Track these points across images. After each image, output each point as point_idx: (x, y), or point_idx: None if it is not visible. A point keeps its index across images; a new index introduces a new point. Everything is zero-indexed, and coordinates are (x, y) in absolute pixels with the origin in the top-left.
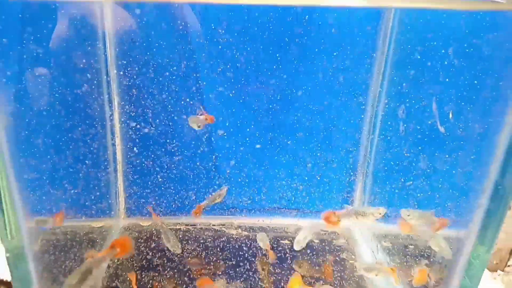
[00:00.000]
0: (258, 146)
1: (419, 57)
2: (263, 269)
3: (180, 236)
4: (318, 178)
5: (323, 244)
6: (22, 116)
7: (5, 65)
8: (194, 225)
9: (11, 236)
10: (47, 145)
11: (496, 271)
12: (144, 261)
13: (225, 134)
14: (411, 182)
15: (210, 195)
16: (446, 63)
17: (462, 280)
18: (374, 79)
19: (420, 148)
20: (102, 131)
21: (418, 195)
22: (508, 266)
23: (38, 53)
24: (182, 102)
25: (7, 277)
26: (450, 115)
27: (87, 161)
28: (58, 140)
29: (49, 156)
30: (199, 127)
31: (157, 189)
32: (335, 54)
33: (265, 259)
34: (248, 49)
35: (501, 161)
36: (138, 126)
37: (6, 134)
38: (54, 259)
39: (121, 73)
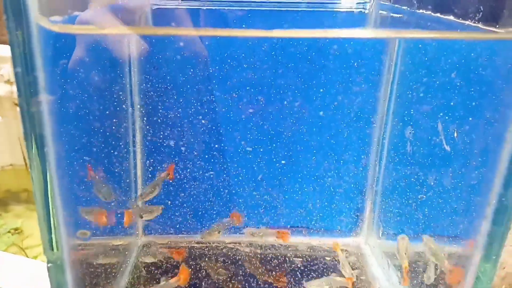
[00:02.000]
0: (283, 162)
1: (424, 80)
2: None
3: (195, 254)
4: (328, 198)
5: (334, 262)
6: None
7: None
8: (208, 243)
9: (55, 248)
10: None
11: None
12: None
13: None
14: (423, 196)
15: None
16: (448, 86)
17: None
18: (381, 102)
19: (426, 167)
20: (124, 154)
21: (426, 211)
22: None
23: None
24: (202, 129)
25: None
26: (455, 134)
27: (110, 183)
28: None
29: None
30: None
31: (173, 209)
32: (342, 79)
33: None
34: (259, 75)
35: (504, 177)
36: (158, 146)
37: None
38: (86, 271)
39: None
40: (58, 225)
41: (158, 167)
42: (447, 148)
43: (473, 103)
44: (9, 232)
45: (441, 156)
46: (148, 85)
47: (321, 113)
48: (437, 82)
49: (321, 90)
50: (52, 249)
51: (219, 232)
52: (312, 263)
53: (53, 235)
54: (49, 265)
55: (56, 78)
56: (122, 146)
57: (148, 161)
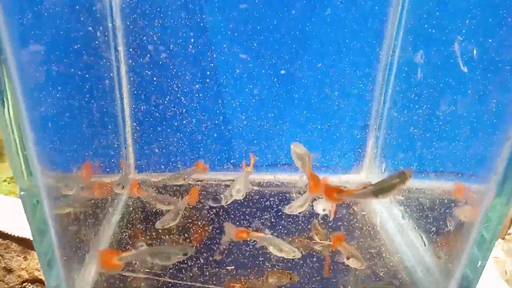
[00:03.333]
0: (282, 72)
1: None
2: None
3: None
4: (329, 132)
5: None
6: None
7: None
8: (202, 180)
9: (27, 175)
10: (56, 103)
11: (497, 239)
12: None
13: (248, 58)
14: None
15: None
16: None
17: (480, 234)
18: (389, 26)
19: (437, 96)
20: (110, 86)
21: (434, 148)
22: (509, 234)
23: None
24: (191, 50)
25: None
26: (474, 52)
27: (95, 117)
28: (68, 97)
29: (60, 114)
30: None
31: (166, 145)
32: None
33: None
34: None
35: None
36: (145, 78)
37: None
38: (70, 206)
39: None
40: (28, 148)
41: (148, 96)
42: (465, 69)
43: (494, 26)
44: (5, 181)
45: (455, 83)
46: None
47: (329, 28)
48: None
49: (325, 12)
50: (24, 176)
51: (184, 179)
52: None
53: (24, 159)
54: (21, 193)
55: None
56: (106, 79)
57: (136, 94)
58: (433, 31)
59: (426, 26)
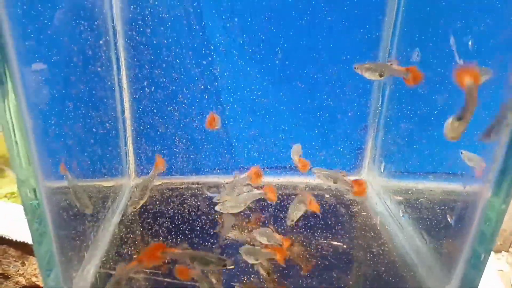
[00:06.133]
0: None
1: None
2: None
3: (190, 194)
4: (328, 134)
5: (335, 198)
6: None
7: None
8: (202, 184)
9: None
10: (54, 104)
11: (501, 251)
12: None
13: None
14: None
15: None
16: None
17: (479, 234)
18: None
19: (434, 97)
20: (110, 88)
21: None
22: None
23: None
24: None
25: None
26: (470, 44)
27: (96, 122)
28: (66, 101)
29: (59, 117)
30: None
31: (166, 149)
32: None
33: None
34: None
35: None
36: (146, 84)
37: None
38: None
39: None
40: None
41: (148, 101)
42: (461, 62)
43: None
44: (5, 196)
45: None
46: None
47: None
48: None
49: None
50: (23, 164)
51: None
52: None
53: (22, 148)
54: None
55: None
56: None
57: (136, 98)
58: (429, 29)
59: (421, 25)
